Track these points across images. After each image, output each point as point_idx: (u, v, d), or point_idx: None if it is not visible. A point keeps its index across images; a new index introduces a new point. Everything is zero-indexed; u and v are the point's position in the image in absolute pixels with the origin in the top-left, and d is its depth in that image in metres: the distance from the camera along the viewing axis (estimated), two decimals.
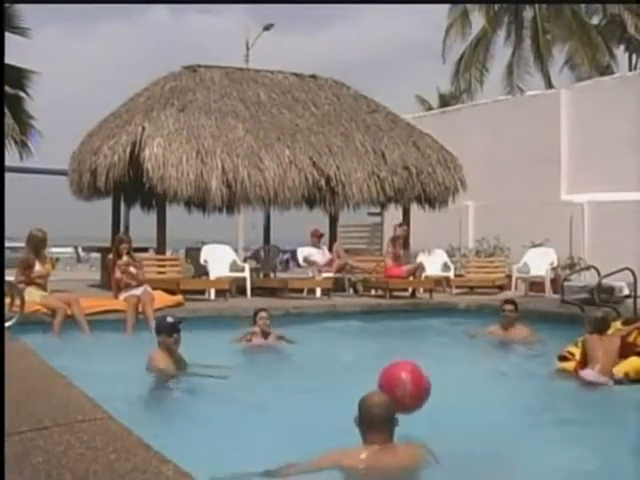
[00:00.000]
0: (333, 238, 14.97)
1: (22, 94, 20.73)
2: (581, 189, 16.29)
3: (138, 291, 9.50)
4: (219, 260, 12.27)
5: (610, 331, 7.00)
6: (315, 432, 4.50)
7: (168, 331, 6.42)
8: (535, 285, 13.76)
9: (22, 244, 10.05)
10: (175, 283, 10.83)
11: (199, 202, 13.16)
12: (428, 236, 14.25)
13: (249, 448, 4.39)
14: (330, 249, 13.71)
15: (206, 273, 12.30)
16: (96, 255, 18.38)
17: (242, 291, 11.99)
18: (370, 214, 19.20)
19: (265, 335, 8.21)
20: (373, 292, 12.90)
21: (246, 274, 12.26)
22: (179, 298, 10.22)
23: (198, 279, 12.77)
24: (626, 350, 6.57)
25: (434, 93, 36.78)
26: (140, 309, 9.25)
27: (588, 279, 12.50)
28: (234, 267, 12.41)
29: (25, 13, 20.15)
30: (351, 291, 13.09)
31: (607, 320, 7.15)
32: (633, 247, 13.44)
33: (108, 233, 14.15)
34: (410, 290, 12.80)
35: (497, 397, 5.93)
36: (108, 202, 14.46)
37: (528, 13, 27.60)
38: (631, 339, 6.66)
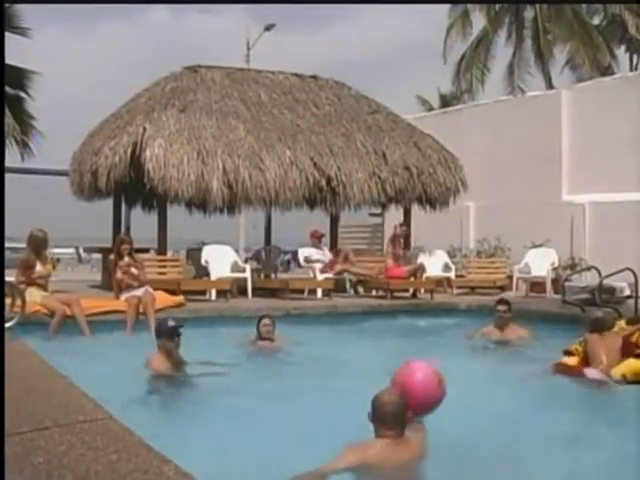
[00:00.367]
0: (334, 239, 14.97)
1: (23, 94, 20.76)
2: (582, 189, 16.28)
3: (139, 292, 9.50)
4: (220, 261, 12.26)
5: (614, 329, 7.00)
6: (315, 432, 4.50)
7: (169, 335, 6.38)
8: (536, 285, 13.74)
9: (23, 245, 10.03)
10: (176, 284, 10.84)
11: (200, 203, 13.16)
12: (429, 237, 14.25)
13: (250, 448, 4.38)
14: (331, 250, 13.70)
15: (207, 274, 12.30)
16: (97, 256, 18.43)
17: (243, 292, 11.99)
18: (371, 215, 19.20)
19: (268, 341, 8.20)
20: (374, 293, 12.90)
21: (247, 275, 12.25)
22: (180, 299, 10.22)
23: (199, 280, 12.76)
24: (628, 350, 6.56)
25: (435, 93, 36.85)
26: (141, 310, 9.25)
27: (589, 279, 12.50)
28: (235, 268, 12.41)
29: (25, 13, 20.21)
30: (352, 292, 13.09)
31: (606, 320, 7.15)
32: (634, 247, 13.43)
33: (109, 234, 14.15)
34: (411, 291, 12.80)
35: (497, 397, 5.92)
36: (109, 203, 14.46)
37: (529, 13, 27.59)
38: (634, 339, 6.65)
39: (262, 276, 13.97)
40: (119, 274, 9.77)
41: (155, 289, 9.85)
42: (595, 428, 5.27)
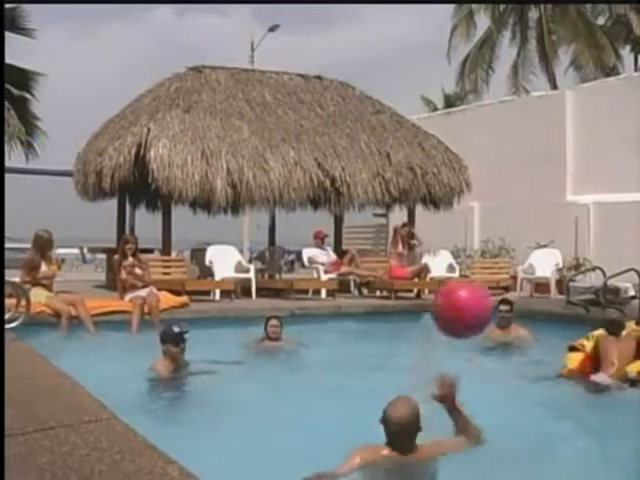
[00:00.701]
0: (338, 239, 14.95)
1: (28, 95, 20.80)
2: (586, 190, 16.26)
3: (144, 292, 9.52)
4: (224, 261, 12.27)
5: (624, 332, 6.94)
6: (323, 432, 4.50)
7: (174, 341, 6.37)
8: (540, 286, 13.71)
9: (28, 245, 10.05)
10: (180, 284, 10.84)
11: (204, 203, 13.16)
12: (433, 237, 14.24)
13: (256, 448, 4.38)
14: (335, 250, 13.69)
15: (211, 274, 12.30)
16: (102, 256, 18.44)
17: (247, 292, 11.99)
18: (375, 215, 19.20)
19: (275, 341, 8.20)
20: (378, 293, 12.90)
21: (251, 275, 12.26)
22: (184, 299, 10.23)
23: (203, 280, 12.76)
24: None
25: (439, 94, 36.83)
26: (146, 310, 9.26)
27: (593, 280, 12.48)
28: (239, 268, 12.41)
29: (30, 14, 20.21)
30: (356, 292, 13.09)
31: (623, 323, 7.10)
32: (638, 248, 13.39)
33: (113, 234, 14.17)
34: (415, 291, 12.79)
35: (497, 397, 5.90)
36: (113, 203, 14.46)
37: (533, 14, 27.57)
38: None
39: (266, 276, 13.98)
40: (123, 274, 9.78)
41: (159, 289, 9.87)
42: (599, 434, 5.24)
